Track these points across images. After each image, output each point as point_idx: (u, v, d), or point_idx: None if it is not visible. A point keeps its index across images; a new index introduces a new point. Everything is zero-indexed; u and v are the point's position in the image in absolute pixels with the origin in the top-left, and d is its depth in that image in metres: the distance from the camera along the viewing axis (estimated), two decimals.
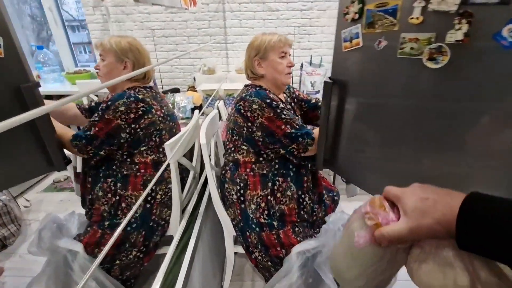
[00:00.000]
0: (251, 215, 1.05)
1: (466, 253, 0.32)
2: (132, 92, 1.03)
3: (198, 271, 1.02)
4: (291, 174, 1.06)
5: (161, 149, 1.11)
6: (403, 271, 0.41)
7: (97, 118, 0.99)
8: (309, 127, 1.00)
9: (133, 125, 1.01)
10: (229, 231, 1.17)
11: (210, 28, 2.22)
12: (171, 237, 1.08)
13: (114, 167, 1.06)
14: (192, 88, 2.18)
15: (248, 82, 1.15)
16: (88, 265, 1.00)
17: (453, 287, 0.32)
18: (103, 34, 2.26)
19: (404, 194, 0.37)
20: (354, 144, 0.82)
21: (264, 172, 1.04)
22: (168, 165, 1.04)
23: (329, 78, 0.79)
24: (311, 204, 1.10)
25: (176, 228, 1.09)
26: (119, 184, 1.06)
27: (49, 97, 2.28)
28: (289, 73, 1.10)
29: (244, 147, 1.05)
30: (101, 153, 1.02)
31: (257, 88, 1.05)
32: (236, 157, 1.08)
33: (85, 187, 1.13)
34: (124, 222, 0.47)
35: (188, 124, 1.15)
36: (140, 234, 1.06)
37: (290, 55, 1.10)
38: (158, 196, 1.11)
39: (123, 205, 1.06)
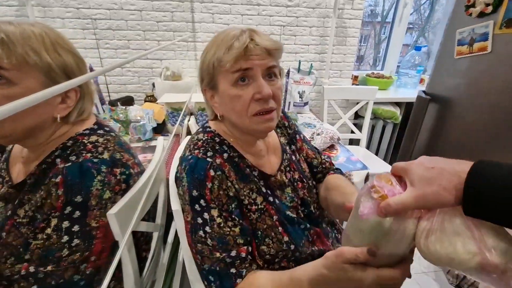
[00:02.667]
0: None
1: (473, 220, 0.32)
2: (87, 155, 0.54)
3: None
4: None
5: None
6: None
7: (77, 242, 0.52)
8: None
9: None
10: None
11: (174, 22, 1.75)
12: None
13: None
14: (151, 98, 1.69)
15: None
16: None
17: (460, 255, 0.32)
18: None
19: (410, 166, 0.37)
20: None
21: None
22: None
23: (424, 92, 0.64)
24: None
25: None
26: None
27: None
28: (265, 111, 0.57)
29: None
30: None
31: (207, 153, 0.58)
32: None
33: None
34: None
35: (150, 154, 0.73)
36: None
37: (267, 72, 0.58)
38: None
39: None
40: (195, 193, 0.54)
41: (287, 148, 0.75)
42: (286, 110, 1.84)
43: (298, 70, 1.81)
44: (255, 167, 0.63)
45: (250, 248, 0.56)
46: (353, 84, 2.08)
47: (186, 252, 0.66)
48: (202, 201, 0.54)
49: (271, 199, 0.62)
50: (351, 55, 2.00)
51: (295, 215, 0.65)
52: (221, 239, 0.53)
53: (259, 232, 0.59)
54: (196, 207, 0.54)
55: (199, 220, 0.54)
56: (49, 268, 0.50)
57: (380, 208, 0.36)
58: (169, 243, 0.98)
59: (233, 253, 0.53)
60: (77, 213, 0.51)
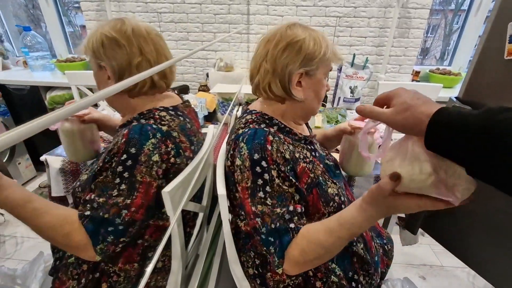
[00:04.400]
0: None
1: (432, 153, 0.38)
2: (151, 122, 0.65)
3: None
4: None
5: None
6: None
7: (124, 187, 0.61)
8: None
9: (160, 182, 0.65)
10: None
11: (230, 14, 1.81)
12: None
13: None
14: (204, 87, 1.79)
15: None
16: None
17: (418, 175, 0.40)
18: (99, 16, 1.87)
19: (396, 91, 0.42)
20: (480, 207, 0.59)
21: None
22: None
23: (457, 99, 0.54)
24: (369, 282, 0.72)
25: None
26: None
27: (34, 88, 1.91)
28: None
29: (242, 211, 0.64)
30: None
31: (261, 125, 0.65)
32: (238, 223, 0.68)
33: None
34: None
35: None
36: None
37: None
38: (160, 264, 0.75)
39: (104, 286, 0.69)
40: (256, 156, 0.58)
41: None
42: (334, 105, 1.78)
43: (352, 64, 1.73)
44: (300, 133, 0.72)
45: (303, 208, 0.61)
46: (413, 80, 1.91)
47: (228, 235, 0.71)
48: (263, 163, 0.58)
49: (314, 153, 0.72)
50: (414, 48, 1.83)
51: (331, 163, 0.78)
52: (280, 196, 0.58)
53: (320, 178, 0.66)
54: (257, 169, 0.58)
55: (260, 182, 0.58)
56: (101, 199, 0.59)
57: (357, 108, 0.45)
58: (212, 225, 1.06)
59: (291, 208, 0.58)
60: (129, 162, 0.60)
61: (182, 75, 2.01)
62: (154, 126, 0.64)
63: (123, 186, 0.60)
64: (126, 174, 0.60)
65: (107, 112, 1.30)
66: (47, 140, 1.80)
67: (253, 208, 0.58)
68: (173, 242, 0.73)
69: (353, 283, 0.68)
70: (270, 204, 0.57)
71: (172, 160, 0.65)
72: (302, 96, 0.68)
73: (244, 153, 0.59)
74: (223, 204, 0.69)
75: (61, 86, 1.90)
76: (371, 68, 1.74)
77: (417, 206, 0.43)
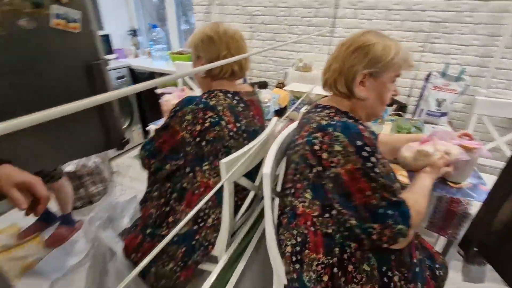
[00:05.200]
0: (308, 284, 0.74)
1: None
2: (205, 96, 0.87)
3: None
4: None
5: None
6: None
7: (164, 126, 0.86)
8: None
9: (198, 139, 0.85)
10: (280, 279, 0.91)
11: (316, 17, 1.88)
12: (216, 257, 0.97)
13: (179, 173, 0.93)
14: (281, 85, 1.93)
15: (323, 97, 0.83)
16: (123, 271, 0.92)
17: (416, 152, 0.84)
18: (205, 17, 2.22)
19: None
20: None
21: (329, 231, 0.71)
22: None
23: None
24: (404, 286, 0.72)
25: (222, 251, 0.95)
26: (175, 195, 0.93)
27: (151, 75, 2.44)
28: None
29: (307, 195, 0.72)
30: (165, 168, 0.90)
31: (345, 119, 0.71)
32: (294, 204, 0.77)
33: (150, 183, 1.04)
34: (165, 240, 0.42)
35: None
36: (179, 250, 0.92)
37: None
38: (210, 220, 0.94)
39: (170, 219, 0.93)
40: (359, 143, 0.63)
41: None
42: (416, 117, 1.66)
43: (443, 74, 1.57)
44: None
45: None
46: None
47: (267, 210, 0.82)
48: (367, 148, 0.63)
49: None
50: None
51: None
52: (387, 175, 0.73)
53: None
54: (363, 154, 0.63)
55: (369, 164, 0.63)
56: (154, 135, 0.88)
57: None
58: (260, 205, 1.19)
59: (397, 185, 0.73)
60: (172, 114, 0.84)
61: (264, 72, 2.20)
62: (203, 99, 0.85)
63: (163, 126, 0.86)
64: (167, 121, 0.84)
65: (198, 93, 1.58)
66: (153, 114, 2.30)
67: (373, 184, 0.63)
68: (224, 208, 0.89)
69: (385, 278, 0.70)
70: (384, 181, 0.64)
71: (207, 124, 0.83)
72: (364, 95, 0.74)
73: (344, 141, 0.64)
74: (267, 181, 0.81)
75: (170, 73, 2.36)
76: (468, 81, 1.53)
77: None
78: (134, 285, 0.94)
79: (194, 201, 0.90)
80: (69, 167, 1.74)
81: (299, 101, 1.48)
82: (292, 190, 0.77)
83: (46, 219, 1.68)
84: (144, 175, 0.99)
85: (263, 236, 1.04)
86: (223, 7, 2.12)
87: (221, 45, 0.89)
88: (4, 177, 0.57)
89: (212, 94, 0.89)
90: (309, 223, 0.73)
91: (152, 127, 1.41)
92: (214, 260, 0.97)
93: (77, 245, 1.55)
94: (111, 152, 2.31)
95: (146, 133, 2.53)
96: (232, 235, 1.03)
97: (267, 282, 0.98)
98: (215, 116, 0.85)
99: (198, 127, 0.83)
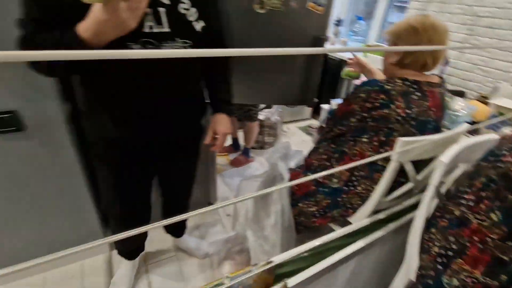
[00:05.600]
0: (446, 286, 0.76)
1: None
2: (383, 81, 0.97)
3: (344, 277, 0.96)
4: None
5: (381, 150, 1.01)
6: None
7: (344, 98, 1.08)
8: None
9: (365, 114, 0.99)
10: (408, 271, 0.95)
11: None
12: (348, 223, 1.08)
13: (343, 138, 1.12)
14: (483, 98, 1.67)
15: None
16: (283, 193, 1.25)
17: None
18: (419, 14, 2.16)
19: None
20: None
21: (505, 258, 0.63)
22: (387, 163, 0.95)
23: None
24: None
25: (357, 220, 1.06)
26: (336, 155, 1.12)
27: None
28: None
29: (493, 216, 0.62)
30: (335, 130, 1.11)
31: None
32: (466, 216, 0.72)
33: (319, 141, 1.26)
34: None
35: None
36: (325, 200, 1.14)
37: None
38: (359, 188, 1.08)
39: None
40: None
41: None
42: None
43: None
44: None
45: None
46: None
47: (424, 207, 0.84)
48: None
49: None
50: None
51: None
52: None
53: None
54: None
55: None
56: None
57: None
58: (411, 201, 1.18)
59: None
60: (352, 90, 0.99)
61: (464, 81, 1.95)
62: (380, 83, 0.93)
63: (344, 98, 1.04)
64: (348, 95, 1.02)
65: None
66: (327, 95, 2.56)
67: None
68: (381, 181, 0.98)
69: None
70: None
71: (377, 104, 0.93)
72: None
73: None
74: (440, 170, 0.81)
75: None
76: None
77: None
78: (288, 209, 1.24)
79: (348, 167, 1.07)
80: (261, 116, 2.32)
81: (502, 118, 1.28)
82: (470, 203, 0.74)
83: (235, 146, 2.37)
84: (301, 145, 1.23)
85: (397, 230, 1.05)
86: (443, 5, 1.99)
87: (423, 37, 0.90)
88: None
89: (392, 81, 0.95)
90: (476, 238, 0.71)
91: (334, 102, 1.65)
92: (342, 225, 1.08)
93: (249, 170, 2.13)
94: (287, 116, 2.81)
95: (317, 110, 2.86)
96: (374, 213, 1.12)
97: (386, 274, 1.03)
98: (386, 99, 0.93)
99: (368, 105, 0.95)
